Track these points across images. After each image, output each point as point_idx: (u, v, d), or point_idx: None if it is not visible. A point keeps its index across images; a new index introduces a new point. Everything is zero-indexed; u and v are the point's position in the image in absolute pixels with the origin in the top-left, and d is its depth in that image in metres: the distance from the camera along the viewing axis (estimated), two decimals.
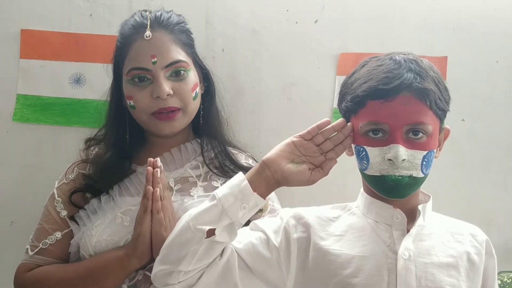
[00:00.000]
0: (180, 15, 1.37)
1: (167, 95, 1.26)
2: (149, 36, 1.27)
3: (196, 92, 1.32)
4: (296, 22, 1.65)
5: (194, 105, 1.33)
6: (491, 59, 1.61)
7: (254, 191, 1.08)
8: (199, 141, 1.38)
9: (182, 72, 1.29)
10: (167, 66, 1.27)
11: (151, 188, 1.16)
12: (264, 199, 1.10)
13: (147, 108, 1.28)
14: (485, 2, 1.61)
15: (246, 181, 1.08)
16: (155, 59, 1.26)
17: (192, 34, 1.38)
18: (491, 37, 1.61)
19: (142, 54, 1.27)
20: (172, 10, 1.37)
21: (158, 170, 1.17)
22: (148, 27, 1.28)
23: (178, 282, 1.07)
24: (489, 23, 1.61)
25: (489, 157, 1.62)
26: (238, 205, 1.06)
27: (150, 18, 1.30)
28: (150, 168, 1.17)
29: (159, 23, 1.30)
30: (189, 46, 1.35)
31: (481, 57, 1.61)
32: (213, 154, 1.36)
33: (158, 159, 1.19)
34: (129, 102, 1.30)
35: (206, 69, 1.40)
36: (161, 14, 1.32)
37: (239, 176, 1.10)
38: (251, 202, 1.07)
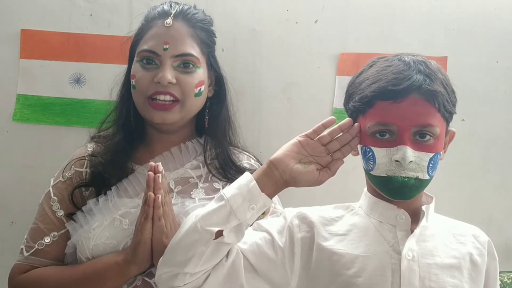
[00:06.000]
0: (208, 16, 1.39)
1: (168, 82, 1.26)
2: (169, 23, 1.29)
3: (200, 89, 1.30)
4: (296, 22, 1.65)
5: (195, 102, 1.31)
6: (491, 59, 1.62)
7: (262, 191, 1.07)
8: (201, 140, 1.37)
9: (190, 66, 1.29)
10: (176, 56, 1.28)
11: (152, 194, 1.13)
12: (272, 199, 1.10)
13: (145, 89, 1.28)
14: (485, 2, 1.61)
15: (254, 182, 1.08)
16: (167, 46, 1.27)
17: (215, 36, 1.40)
18: (491, 37, 1.61)
19: (156, 39, 1.28)
20: (202, 9, 1.38)
21: (160, 175, 1.14)
22: (172, 16, 1.30)
23: (184, 284, 1.06)
24: (489, 23, 1.61)
25: (489, 157, 1.62)
26: (247, 206, 1.06)
27: (176, 9, 1.32)
28: (151, 173, 1.14)
29: (183, 15, 1.32)
30: (206, 45, 1.34)
31: (481, 57, 1.61)
32: (214, 154, 1.34)
33: (160, 164, 1.16)
34: (132, 82, 1.31)
35: (221, 74, 1.39)
36: (188, 8, 1.34)
37: (247, 176, 1.10)
38: (260, 203, 1.07)
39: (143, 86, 1.28)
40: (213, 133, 1.36)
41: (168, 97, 1.27)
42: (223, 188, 1.30)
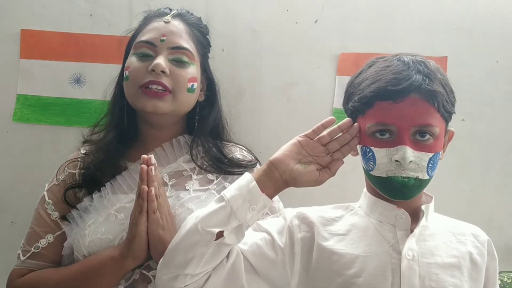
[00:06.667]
0: (205, 23, 1.44)
1: (162, 71, 1.26)
2: (168, 20, 1.33)
3: (193, 85, 1.31)
4: (296, 22, 1.65)
5: (187, 97, 1.31)
6: (491, 59, 1.61)
7: (262, 192, 1.07)
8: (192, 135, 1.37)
9: (184, 61, 1.31)
10: (173, 48, 1.30)
11: (146, 187, 1.13)
12: (272, 200, 1.10)
13: (138, 79, 1.28)
14: (485, 2, 1.61)
15: (255, 182, 1.07)
16: (165, 37, 1.30)
17: (210, 45, 1.43)
18: (491, 37, 1.61)
19: (154, 32, 1.31)
20: (200, 16, 1.43)
21: (153, 168, 1.14)
22: (170, 15, 1.35)
23: (185, 286, 1.06)
24: (489, 23, 1.61)
25: (489, 157, 1.62)
26: (247, 207, 1.06)
27: (175, 11, 1.38)
28: (144, 166, 1.14)
29: (181, 16, 1.37)
30: (202, 45, 1.37)
31: (481, 57, 1.61)
32: (203, 150, 1.34)
33: (152, 156, 1.16)
34: (125, 73, 1.32)
35: (213, 80, 1.41)
36: (187, 12, 1.40)
37: (247, 177, 1.10)
38: (260, 204, 1.07)
39: (136, 75, 1.28)
40: (202, 133, 1.36)
41: (160, 87, 1.27)
42: (217, 179, 1.31)
